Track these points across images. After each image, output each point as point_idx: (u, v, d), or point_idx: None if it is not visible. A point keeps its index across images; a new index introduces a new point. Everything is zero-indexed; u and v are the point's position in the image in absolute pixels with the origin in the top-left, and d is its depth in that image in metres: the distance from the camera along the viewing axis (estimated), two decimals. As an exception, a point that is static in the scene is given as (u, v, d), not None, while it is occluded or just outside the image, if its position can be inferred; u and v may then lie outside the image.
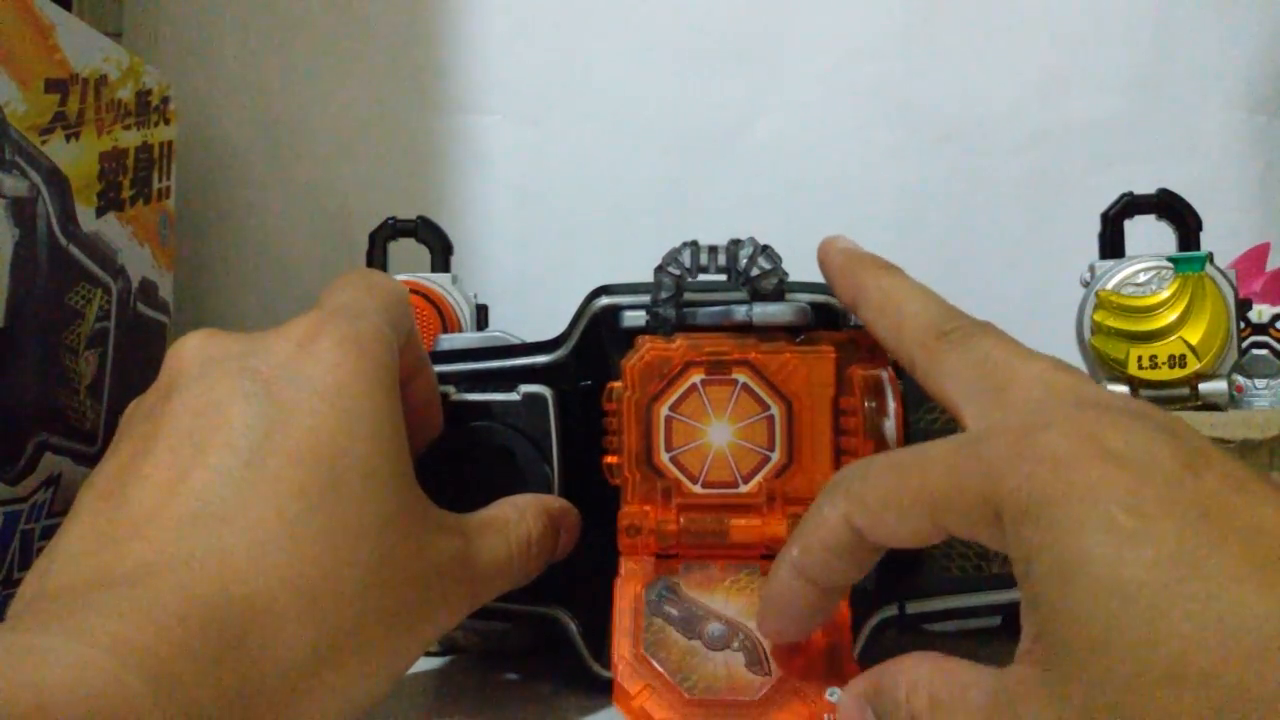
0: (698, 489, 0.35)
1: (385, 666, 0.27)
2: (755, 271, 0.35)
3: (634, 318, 0.36)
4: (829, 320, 0.37)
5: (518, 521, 0.33)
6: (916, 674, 0.25)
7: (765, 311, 0.34)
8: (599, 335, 0.37)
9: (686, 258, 0.35)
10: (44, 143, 0.43)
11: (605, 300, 0.37)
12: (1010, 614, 0.39)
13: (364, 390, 0.27)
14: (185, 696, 0.21)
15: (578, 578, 0.36)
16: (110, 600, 0.22)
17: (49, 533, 0.41)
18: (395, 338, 0.30)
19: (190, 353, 0.28)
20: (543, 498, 0.35)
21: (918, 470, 0.25)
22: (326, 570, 0.25)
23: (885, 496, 0.25)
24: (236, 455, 0.25)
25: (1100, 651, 0.19)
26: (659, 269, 0.35)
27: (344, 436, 0.26)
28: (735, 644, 0.33)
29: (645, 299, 0.36)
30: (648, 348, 0.35)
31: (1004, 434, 0.23)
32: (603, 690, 0.34)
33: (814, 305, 0.35)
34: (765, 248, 0.35)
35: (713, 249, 0.35)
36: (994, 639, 0.40)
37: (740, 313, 0.35)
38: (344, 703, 0.25)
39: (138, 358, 0.51)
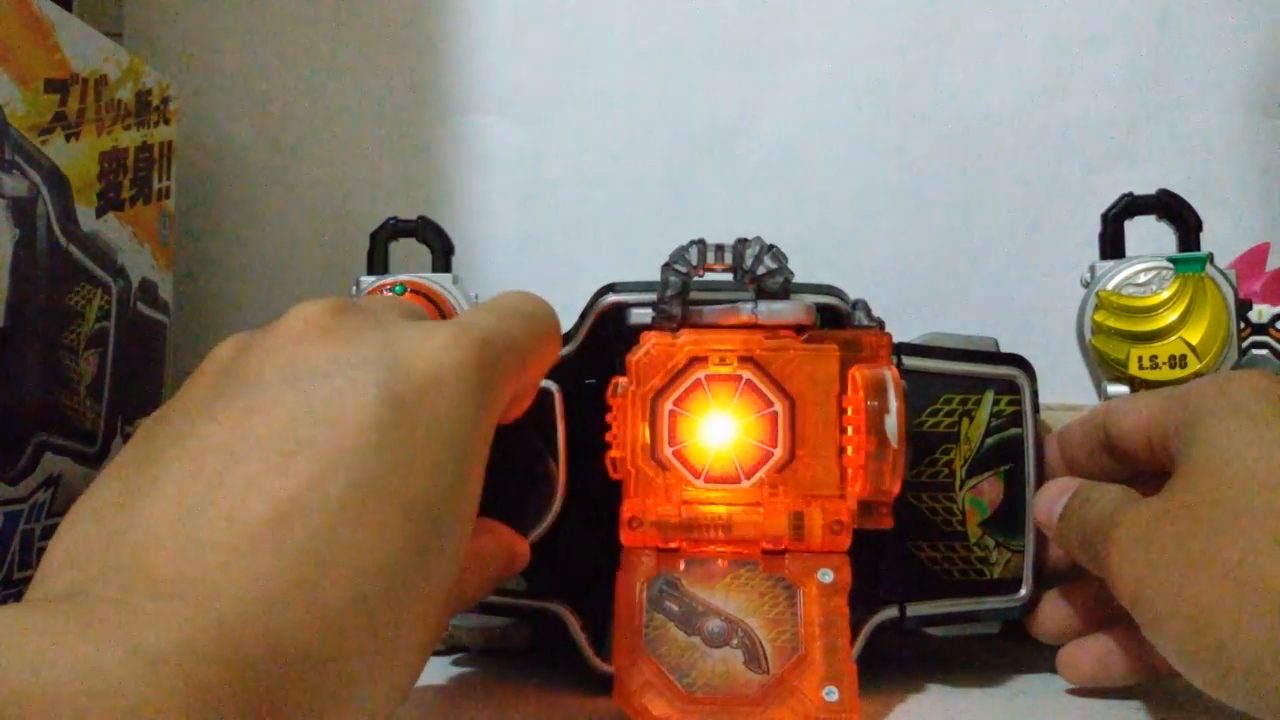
0: (700, 483, 0.35)
1: (402, 695, 0.26)
2: (761, 270, 0.35)
3: (640, 315, 0.36)
4: (833, 320, 0.37)
5: (495, 556, 0.33)
6: (1105, 491, 0.34)
7: (770, 309, 0.35)
8: (605, 332, 0.37)
9: (693, 255, 0.35)
10: (44, 143, 0.43)
11: (612, 297, 0.37)
12: (1010, 620, 0.39)
13: (477, 441, 0.26)
14: None
15: (578, 573, 0.36)
16: (188, 624, 0.20)
17: (49, 533, 0.41)
18: (521, 377, 0.29)
19: (318, 333, 0.26)
20: (513, 537, 0.34)
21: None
22: (405, 630, 0.24)
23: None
24: (351, 487, 0.23)
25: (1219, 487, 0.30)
26: (666, 266, 0.36)
27: (454, 495, 0.25)
28: (734, 641, 0.33)
29: (651, 296, 0.36)
30: (653, 343, 0.35)
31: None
32: (603, 686, 0.34)
33: (818, 305, 0.36)
34: (771, 247, 0.35)
35: (719, 247, 0.35)
36: (996, 644, 0.40)
37: (746, 310, 0.35)
38: None
39: (138, 358, 0.51)
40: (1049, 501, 0.37)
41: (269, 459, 0.23)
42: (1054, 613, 0.38)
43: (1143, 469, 0.36)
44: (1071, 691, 0.37)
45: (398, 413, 0.24)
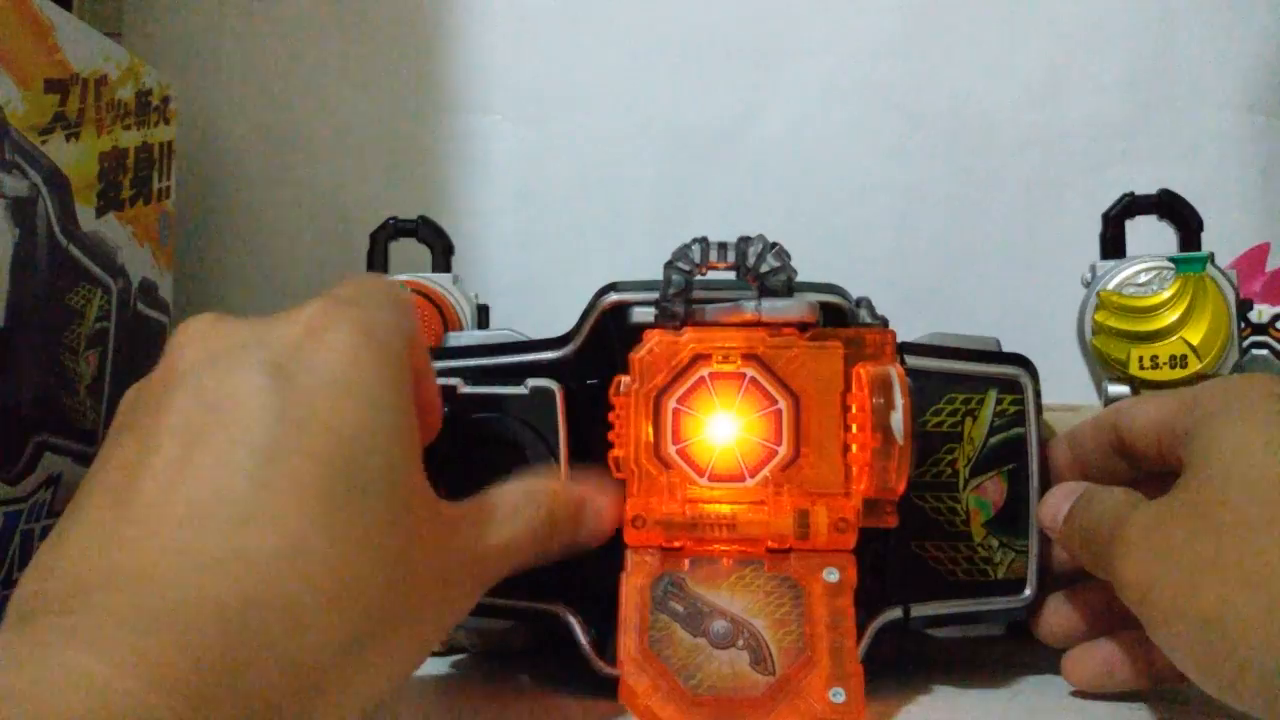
0: (704, 482, 0.35)
1: (404, 662, 0.27)
2: (764, 268, 0.35)
3: (643, 313, 0.36)
4: (836, 318, 0.37)
5: (524, 505, 0.32)
6: (1110, 494, 0.34)
7: (774, 307, 0.35)
8: (607, 331, 0.37)
9: (696, 254, 0.35)
10: (44, 143, 0.43)
11: (614, 296, 0.37)
12: (1013, 622, 0.39)
13: (379, 382, 0.27)
14: (211, 713, 0.20)
15: (580, 574, 0.36)
16: (131, 608, 0.21)
17: (49, 532, 0.41)
18: (403, 331, 0.30)
19: (197, 339, 0.27)
20: (555, 486, 0.34)
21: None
22: (350, 571, 0.24)
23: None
24: (255, 453, 0.24)
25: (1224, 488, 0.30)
26: (668, 264, 0.36)
27: (363, 432, 0.26)
28: (740, 642, 0.33)
29: (653, 295, 0.36)
30: (656, 340, 0.35)
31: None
32: (605, 688, 0.34)
33: (821, 303, 0.35)
34: (774, 245, 0.35)
35: (722, 245, 0.35)
36: (998, 647, 0.40)
37: (749, 308, 0.35)
38: (361, 701, 0.25)
39: (138, 358, 0.51)
40: (1055, 504, 0.36)
41: (173, 454, 0.24)
42: (1059, 616, 0.38)
43: (1154, 470, 0.36)
44: (1075, 693, 0.37)
45: (277, 377, 0.25)
